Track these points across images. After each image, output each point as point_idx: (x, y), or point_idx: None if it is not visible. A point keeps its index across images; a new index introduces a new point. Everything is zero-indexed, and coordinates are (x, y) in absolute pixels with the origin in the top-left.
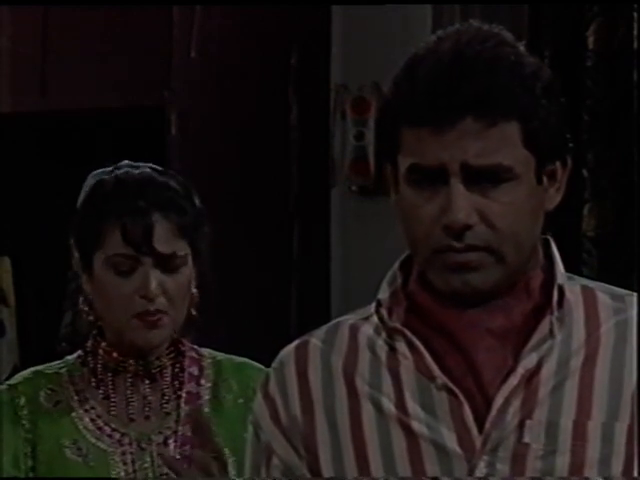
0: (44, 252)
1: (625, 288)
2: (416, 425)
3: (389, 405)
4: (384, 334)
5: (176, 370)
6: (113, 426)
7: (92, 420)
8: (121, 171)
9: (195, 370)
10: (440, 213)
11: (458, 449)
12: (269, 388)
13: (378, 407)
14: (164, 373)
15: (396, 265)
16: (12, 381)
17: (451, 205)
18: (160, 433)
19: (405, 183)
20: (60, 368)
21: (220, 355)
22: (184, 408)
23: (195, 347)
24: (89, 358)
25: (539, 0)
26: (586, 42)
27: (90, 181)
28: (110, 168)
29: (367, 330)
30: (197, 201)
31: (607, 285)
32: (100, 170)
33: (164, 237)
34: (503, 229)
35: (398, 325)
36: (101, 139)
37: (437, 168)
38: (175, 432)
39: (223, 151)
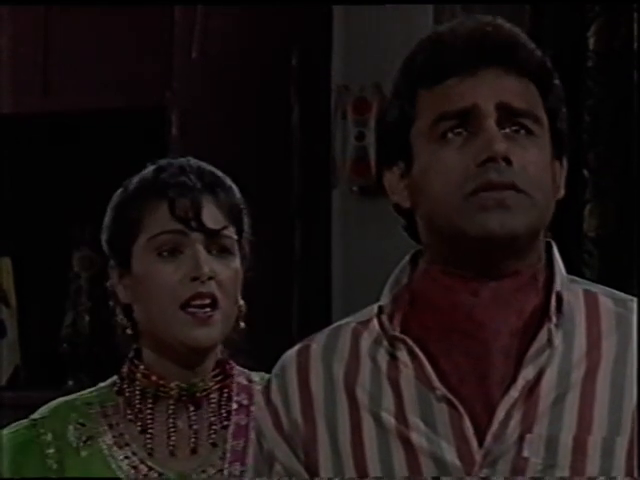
0: (45, 252)
1: (626, 289)
2: (415, 438)
3: (389, 417)
4: (385, 342)
5: (223, 396)
6: (150, 464)
7: (127, 458)
8: (162, 162)
9: (244, 399)
10: (475, 156)
11: (457, 462)
12: (271, 395)
13: (378, 419)
14: (210, 399)
15: (406, 260)
16: (36, 415)
17: (491, 140)
18: (203, 472)
19: (429, 142)
20: (91, 398)
21: None
22: (231, 443)
23: (245, 370)
24: (125, 385)
25: (540, 0)
26: (587, 42)
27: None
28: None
29: (368, 337)
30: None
31: (610, 289)
32: None
33: (212, 214)
34: (535, 176)
35: (399, 334)
36: (102, 139)
37: (469, 110)
38: (220, 471)
39: (224, 151)
